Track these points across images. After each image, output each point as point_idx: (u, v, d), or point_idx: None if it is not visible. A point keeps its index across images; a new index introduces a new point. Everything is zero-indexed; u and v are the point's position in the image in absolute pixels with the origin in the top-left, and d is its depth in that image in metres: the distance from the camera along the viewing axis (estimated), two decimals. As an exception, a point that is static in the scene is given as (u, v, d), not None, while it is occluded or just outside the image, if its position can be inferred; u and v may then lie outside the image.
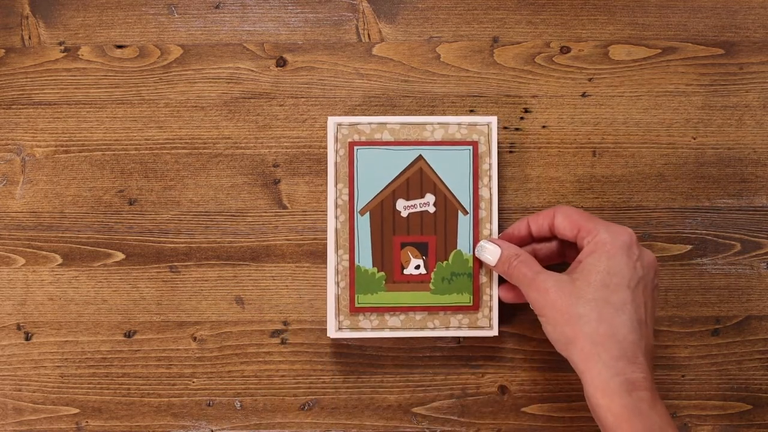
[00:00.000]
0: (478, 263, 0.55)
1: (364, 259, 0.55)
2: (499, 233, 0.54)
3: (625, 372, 0.43)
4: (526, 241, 0.52)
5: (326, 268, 0.56)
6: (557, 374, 0.57)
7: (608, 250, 0.45)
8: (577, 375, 0.45)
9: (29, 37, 0.58)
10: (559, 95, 0.58)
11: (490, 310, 0.55)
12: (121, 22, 0.58)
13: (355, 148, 0.55)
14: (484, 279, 0.55)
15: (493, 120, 0.56)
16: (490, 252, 0.51)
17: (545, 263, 0.52)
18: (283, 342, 0.57)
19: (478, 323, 0.55)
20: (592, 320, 0.44)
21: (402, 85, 0.58)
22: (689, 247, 0.58)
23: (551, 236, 0.51)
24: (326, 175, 0.57)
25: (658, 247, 0.58)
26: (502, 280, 0.55)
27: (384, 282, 0.55)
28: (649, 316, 0.45)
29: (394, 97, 0.58)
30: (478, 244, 0.53)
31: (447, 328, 0.55)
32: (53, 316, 0.57)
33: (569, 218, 0.49)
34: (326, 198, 0.57)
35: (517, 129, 0.58)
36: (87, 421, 0.57)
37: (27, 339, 0.57)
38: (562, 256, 0.53)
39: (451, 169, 0.55)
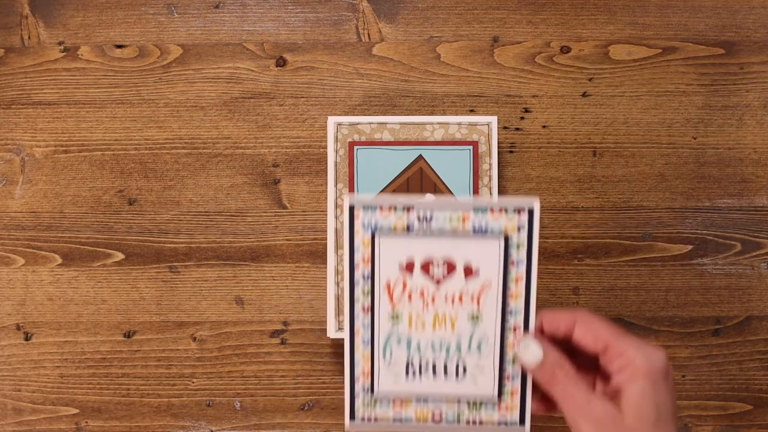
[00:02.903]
0: None
1: (364, 259, 0.55)
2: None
3: None
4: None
5: (326, 268, 0.56)
6: (557, 374, 0.57)
7: (651, 378, 0.41)
8: None
9: (29, 37, 0.58)
10: (560, 95, 0.58)
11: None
12: (120, 21, 0.58)
13: (355, 148, 0.55)
14: None
15: (494, 120, 0.56)
16: (532, 353, 0.45)
17: None
18: (283, 342, 0.57)
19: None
20: None
21: (402, 85, 0.58)
22: (690, 247, 0.58)
23: (563, 339, 0.46)
24: (326, 175, 0.57)
25: (658, 247, 0.58)
26: None
27: (384, 282, 0.55)
28: None
29: (394, 97, 0.58)
30: (522, 341, 0.46)
31: None
32: (53, 316, 0.57)
33: (593, 332, 0.44)
34: (326, 198, 0.57)
35: (517, 129, 0.58)
36: (87, 422, 0.57)
37: (26, 339, 0.57)
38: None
39: (451, 169, 0.55)
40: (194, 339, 0.57)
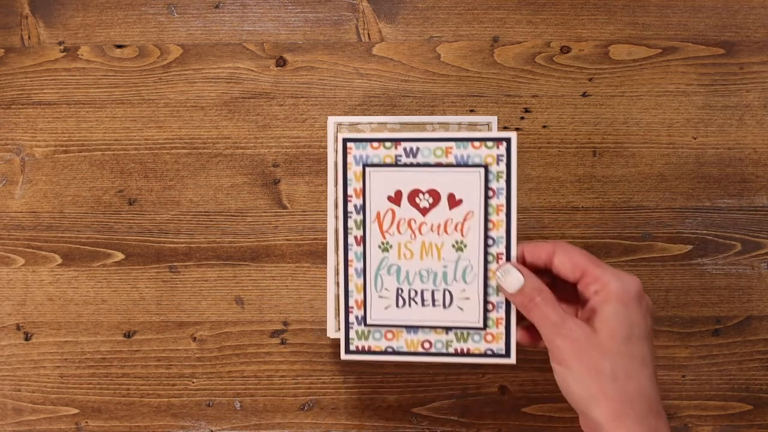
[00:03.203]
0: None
1: (364, 258, 0.55)
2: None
3: (653, 427, 0.42)
4: None
5: (326, 268, 0.56)
6: (557, 374, 0.57)
7: (623, 300, 0.43)
8: (585, 429, 0.45)
9: (29, 37, 0.58)
10: (560, 95, 0.58)
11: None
12: (120, 21, 0.58)
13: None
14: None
15: (494, 120, 0.55)
16: (513, 279, 0.47)
17: None
18: (283, 342, 0.57)
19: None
20: (620, 376, 0.42)
21: (402, 85, 0.58)
22: (690, 247, 0.58)
23: (544, 269, 0.48)
24: (326, 175, 0.57)
25: (658, 247, 0.58)
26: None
27: (384, 282, 0.55)
28: (656, 366, 0.45)
29: (394, 97, 0.58)
30: (503, 267, 0.48)
31: None
32: (53, 316, 0.57)
33: (571, 259, 0.46)
34: (326, 198, 0.57)
35: (517, 129, 0.58)
36: (87, 422, 0.57)
37: (26, 339, 0.57)
38: (551, 289, 0.50)
39: (451, 169, 0.55)
40: (194, 339, 0.57)
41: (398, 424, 0.57)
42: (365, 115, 0.58)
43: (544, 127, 0.58)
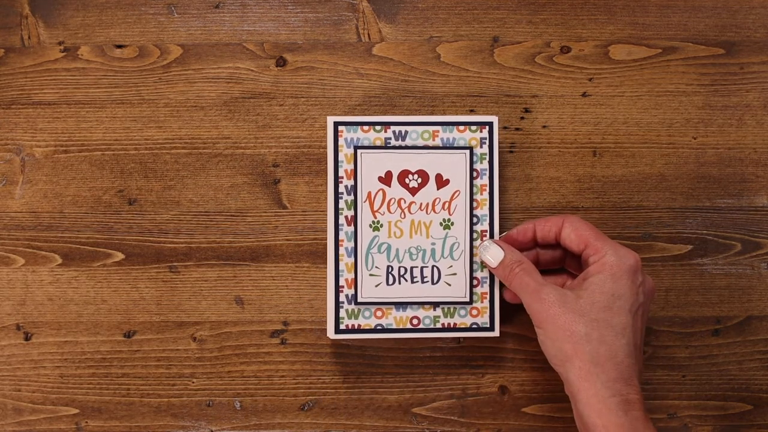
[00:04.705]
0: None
1: (364, 258, 0.55)
2: (500, 234, 0.54)
3: (621, 392, 0.44)
4: (530, 245, 0.52)
5: (326, 268, 0.56)
6: (557, 374, 0.57)
7: (614, 272, 0.46)
8: (567, 391, 0.47)
9: (29, 37, 0.58)
10: (560, 95, 0.58)
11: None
12: (120, 21, 0.58)
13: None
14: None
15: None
16: (493, 254, 0.51)
17: (545, 268, 0.53)
18: (283, 342, 0.57)
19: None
20: (593, 340, 0.44)
21: (402, 85, 0.58)
22: (690, 247, 0.58)
23: (555, 244, 0.51)
24: (326, 175, 0.57)
25: (658, 247, 0.58)
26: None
27: (384, 282, 0.55)
28: (641, 342, 0.47)
29: (394, 97, 0.58)
30: (482, 243, 0.52)
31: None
32: (53, 316, 0.57)
33: (577, 231, 0.48)
34: (326, 198, 0.57)
35: (517, 129, 0.58)
36: (87, 422, 0.57)
37: (26, 339, 0.57)
38: (562, 263, 0.53)
39: (451, 169, 0.56)
40: (194, 339, 0.57)
41: (398, 424, 0.57)
42: (365, 115, 0.58)
43: (544, 127, 0.58)
